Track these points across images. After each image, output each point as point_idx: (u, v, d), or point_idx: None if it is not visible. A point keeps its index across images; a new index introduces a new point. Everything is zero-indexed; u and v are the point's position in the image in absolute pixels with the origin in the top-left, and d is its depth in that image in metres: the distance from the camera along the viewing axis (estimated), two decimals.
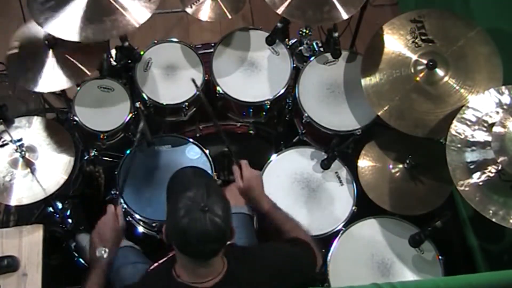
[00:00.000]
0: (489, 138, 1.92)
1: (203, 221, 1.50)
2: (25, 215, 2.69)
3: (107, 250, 1.88)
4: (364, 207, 2.33)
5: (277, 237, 1.96)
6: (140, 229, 2.43)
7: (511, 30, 2.45)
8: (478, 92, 2.14)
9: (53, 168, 2.24)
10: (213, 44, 2.66)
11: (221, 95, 2.50)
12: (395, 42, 2.28)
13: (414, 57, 2.24)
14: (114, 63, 2.61)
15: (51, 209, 2.62)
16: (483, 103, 2.02)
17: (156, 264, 1.83)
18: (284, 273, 1.77)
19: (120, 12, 2.12)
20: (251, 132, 2.70)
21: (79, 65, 2.20)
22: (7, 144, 2.22)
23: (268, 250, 1.86)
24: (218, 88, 2.50)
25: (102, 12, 2.12)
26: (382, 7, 3.60)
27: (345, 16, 2.23)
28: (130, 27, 2.12)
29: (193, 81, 2.26)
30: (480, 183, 1.93)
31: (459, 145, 1.99)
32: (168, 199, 1.80)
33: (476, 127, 2.00)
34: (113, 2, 2.13)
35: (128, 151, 2.46)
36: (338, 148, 2.34)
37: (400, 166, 2.34)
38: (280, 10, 2.24)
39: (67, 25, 2.09)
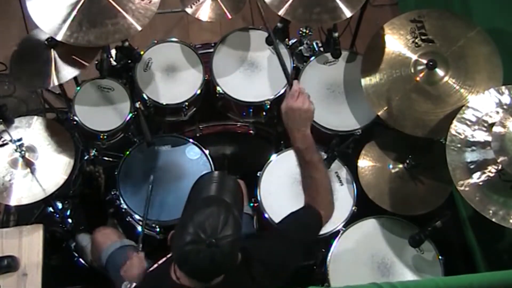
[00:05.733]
0: (489, 138, 1.92)
1: (204, 256, 1.46)
2: (25, 215, 2.70)
3: (129, 284, 1.91)
4: (364, 207, 2.33)
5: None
6: (140, 229, 2.43)
7: (511, 30, 2.45)
8: (478, 92, 2.14)
9: (53, 168, 2.24)
10: (213, 44, 2.66)
11: (221, 95, 2.50)
12: (395, 42, 2.28)
13: (414, 57, 2.24)
14: (114, 63, 2.61)
15: (51, 209, 2.63)
16: (483, 103, 2.02)
17: (155, 266, 1.83)
18: (284, 264, 1.75)
19: (122, 15, 2.12)
20: (251, 132, 2.70)
21: (81, 61, 2.20)
22: (7, 144, 2.22)
23: (266, 244, 1.83)
24: (218, 88, 2.50)
25: (104, 16, 2.12)
26: (382, 7, 3.60)
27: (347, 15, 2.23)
28: (133, 30, 2.12)
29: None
30: (480, 183, 1.93)
31: (459, 145, 1.99)
32: (187, 202, 1.76)
33: (476, 127, 2.00)
34: (114, 4, 2.13)
35: (128, 151, 2.46)
36: (338, 148, 2.34)
37: (400, 166, 2.34)
38: (281, 12, 2.24)
39: (68, 28, 2.09)
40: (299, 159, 1.81)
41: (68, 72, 2.19)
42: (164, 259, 1.81)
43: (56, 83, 2.18)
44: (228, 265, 1.54)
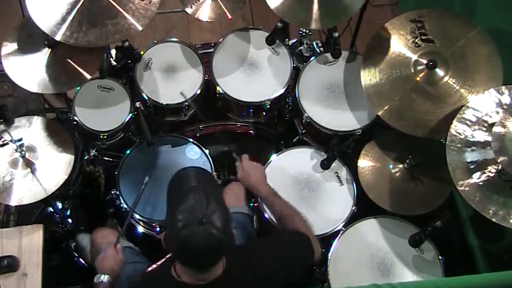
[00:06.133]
0: (489, 138, 1.92)
1: (201, 235, 1.50)
2: (25, 215, 2.69)
3: (106, 276, 1.93)
4: (364, 207, 2.33)
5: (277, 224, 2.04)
6: (140, 229, 2.44)
7: (511, 30, 2.46)
8: (478, 92, 2.14)
9: (53, 168, 2.24)
10: (213, 44, 2.66)
11: (221, 95, 2.50)
12: (395, 42, 2.28)
13: (414, 57, 2.24)
14: (114, 63, 2.61)
15: (51, 209, 2.62)
16: (483, 103, 2.02)
17: (154, 266, 1.84)
18: (281, 266, 1.78)
19: (122, 15, 2.12)
20: (251, 132, 2.70)
21: (79, 68, 2.20)
22: (7, 144, 2.22)
23: (264, 245, 1.87)
24: (218, 88, 2.50)
25: (104, 16, 2.11)
26: (382, 7, 3.61)
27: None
28: (133, 30, 2.12)
29: (182, 94, 2.42)
30: (480, 183, 1.93)
31: (459, 145, 1.99)
32: (168, 202, 1.79)
33: (476, 127, 2.00)
34: (115, 5, 2.13)
35: (128, 151, 2.46)
36: (338, 148, 2.34)
37: (400, 166, 2.34)
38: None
39: (68, 28, 2.09)
40: (272, 206, 2.10)
41: (64, 83, 2.20)
42: (163, 259, 1.82)
43: (52, 92, 2.19)
44: (225, 242, 1.56)
